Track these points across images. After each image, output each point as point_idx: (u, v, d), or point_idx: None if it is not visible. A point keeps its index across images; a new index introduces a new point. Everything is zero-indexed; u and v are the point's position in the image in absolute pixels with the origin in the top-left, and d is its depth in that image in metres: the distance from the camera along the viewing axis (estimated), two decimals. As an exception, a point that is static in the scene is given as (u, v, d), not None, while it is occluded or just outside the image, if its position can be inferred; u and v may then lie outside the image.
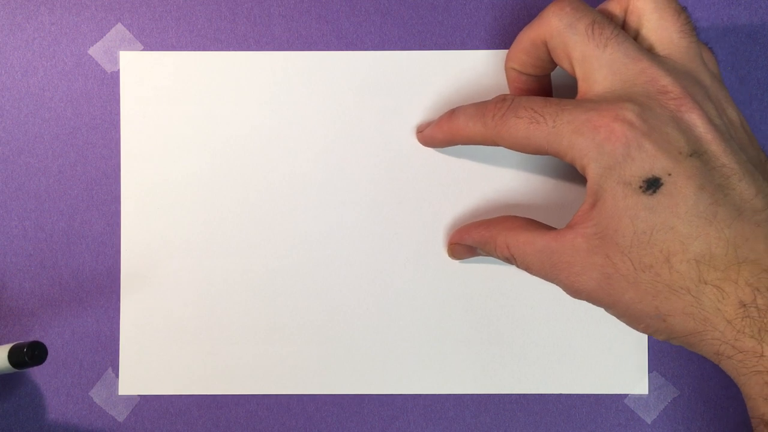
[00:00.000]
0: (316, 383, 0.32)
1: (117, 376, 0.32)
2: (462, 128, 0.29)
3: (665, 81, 0.25)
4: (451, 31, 0.33)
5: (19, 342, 0.29)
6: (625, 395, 0.32)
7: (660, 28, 0.27)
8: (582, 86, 0.27)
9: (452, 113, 0.29)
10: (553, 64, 0.29)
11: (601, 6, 0.28)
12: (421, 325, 0.32)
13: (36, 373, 0.32)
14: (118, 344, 0.32)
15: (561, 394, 0.33)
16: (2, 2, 0.32)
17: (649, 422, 0.32)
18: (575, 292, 0.26)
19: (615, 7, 0.28)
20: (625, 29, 0.28)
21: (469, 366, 0.32)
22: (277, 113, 0.32)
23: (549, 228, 0.27)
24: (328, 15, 0.33)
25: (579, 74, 0.27)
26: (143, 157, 0.32)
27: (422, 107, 0.32)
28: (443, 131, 0.30)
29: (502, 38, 0.32)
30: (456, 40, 0.32)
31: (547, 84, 0.30)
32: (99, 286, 0.32)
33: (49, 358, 0.32)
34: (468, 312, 0.32)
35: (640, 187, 0.24)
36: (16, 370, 0.28)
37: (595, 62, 0.26)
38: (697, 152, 0.25)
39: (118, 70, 0.32)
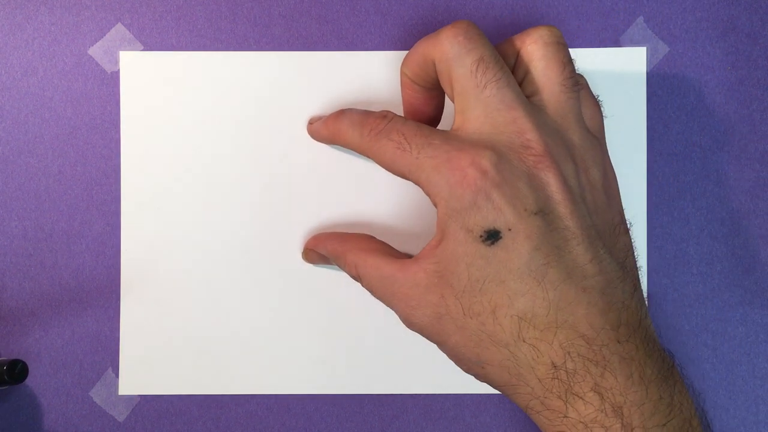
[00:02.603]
0: (316, 383, 0.32)
1: (117, 376, 0.32)
2: (342, 132, 0.29)
3: (531, 135, 0.25)
4: (451, 31, 0.33)
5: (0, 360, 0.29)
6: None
7: (544, 77, 0.27)
8: (457, 118, 0.27)
9: (340, 114, 0.29)
10: None
11: (502, 42, 0.28)
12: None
13: (36, 373, 0.32)
14: (118, 344, 0.32)
15: (561, 394, 0.33)
16: (2, 2, 0.32)
17: (649, 422, 0.32)
18: (409, 324, 0.27)
19: (512, 45, 0.28)
20: (515, 69, 0.28)
21: (469, 366, 0.32)
22: (277, 113, 0.32)
23: (399, 256, 0.28)
24: (328, 15, 0.33)
25: (456, 106, 0.27)
26: (143, 157, 0.32)
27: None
28: (328, 129, 0.30)
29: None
30: (456, 40, 0.32)
31: (438, 96, 0.29)
32: (99, 286, 0.32)
33: (49, 358, 0.32)
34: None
35: (481, 236, 0.25)
36: None
37: (472, 100, 0.26)
38: (542, 211, 0.25)
39: (118, 70, 0.32)
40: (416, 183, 0.26)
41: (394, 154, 0.26)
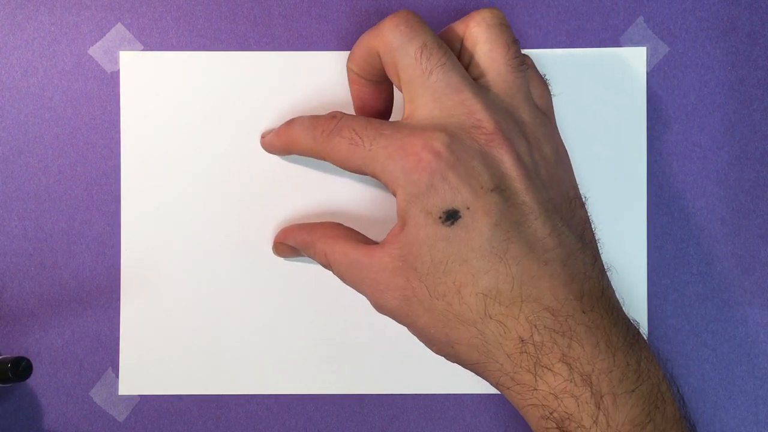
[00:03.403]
0: (316, 383, 0.32)
1: (117, 376, 0.32)
2: (295, 139, 0.29)
3: (481, 115, 0.26)
4: (451, 31, 0.32)
5: (4, 357, 0.29)
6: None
7: (489, 58, 0.27)
8: (407, 107, 0.27)
9: (291, 122, 0.29)
10: None
11: (446, 29, 0.28)
12: (421, 325, 0.32)
13: (36, 373, 0.32)
14: (118, 344, 0.32)
15: (561, 394, 0.32)
16: (2, 2, 0.32)
17: (649, 422, 0.32)
18: (379, 308, 0.27)
19: (456, 30, 0.28)
20: (461, 54, 0.28)
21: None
22: (277, 113, 0.32)
23: (367, 241, 0.28)
24: (328, 15, 0.33)
25: (405, 95, 0.27)
26: (143, 157, 0.32)
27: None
28: (280, 140, 0.30)
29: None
30: (456, 40, 0.32)
31: (386, 89, 0.30)
32: (99, 286, 0.32)
33: (49, 358, 0.32)
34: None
35: (440, 217, 0.25)
36: (1, 385, 0.28)
37: (420, 88, 0.26)
38: (499, 188, 0.25)
39: (118, 70, 0.32)
40: (373, 175, 0.26)
41: (348, 151, 0.27)
